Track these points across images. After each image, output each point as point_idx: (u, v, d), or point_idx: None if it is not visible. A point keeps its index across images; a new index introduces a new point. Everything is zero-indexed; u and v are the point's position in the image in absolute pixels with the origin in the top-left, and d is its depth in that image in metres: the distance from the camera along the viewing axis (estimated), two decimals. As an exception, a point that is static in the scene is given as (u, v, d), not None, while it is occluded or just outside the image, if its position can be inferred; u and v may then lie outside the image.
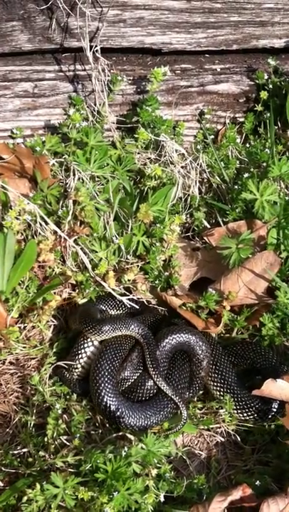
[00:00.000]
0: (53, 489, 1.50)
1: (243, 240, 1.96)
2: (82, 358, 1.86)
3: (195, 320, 1.94)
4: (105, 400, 1.72)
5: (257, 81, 2.35)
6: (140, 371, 1.84)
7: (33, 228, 2.01)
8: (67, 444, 1.69)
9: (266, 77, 2.34)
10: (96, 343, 1.86)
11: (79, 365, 1.85)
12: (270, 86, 2.33)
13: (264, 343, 1.94)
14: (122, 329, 1.84)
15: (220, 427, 1.85)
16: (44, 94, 2.24)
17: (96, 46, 2.12)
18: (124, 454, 1.54)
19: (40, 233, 2.00)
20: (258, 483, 1.67)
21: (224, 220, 2.11)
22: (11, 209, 1.98)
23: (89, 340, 1.86)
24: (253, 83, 2.38)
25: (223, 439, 1.84)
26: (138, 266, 2.02)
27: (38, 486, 1.51)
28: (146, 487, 1.54)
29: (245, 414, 1.82)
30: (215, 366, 1.87)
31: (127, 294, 1.97)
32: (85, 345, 1.86)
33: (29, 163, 2.13)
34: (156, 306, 2.03)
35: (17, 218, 1.96)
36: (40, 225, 1.99)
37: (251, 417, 1.82)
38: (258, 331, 1.96)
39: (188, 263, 2.09)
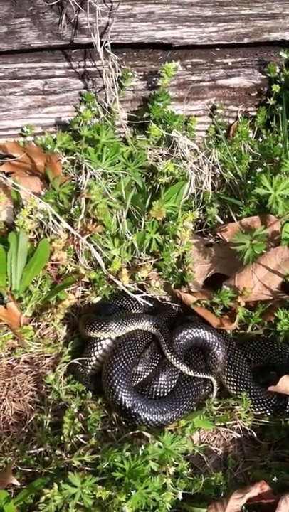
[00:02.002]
0: (71, 489, 1.50)
1: (256, 236, 1.95)
2: (97, 350, 1.85)
3: (210, 317, 1.93)
4: (120, 396, 1.72)
5: (269, 74, 2.33)
6: (153, 368, 1.83)
7: (45, 227, 2.01)
8: (84, 442, 1.68)
9: (278, 70, 2.31)
10: (113, 336, 1.85)
11: (94, 358, 1.85)
12: (282, 79, 2.30)
13: (279, 338, 1.92)
14: (133, 323, 1.84)
15: (236, 424, 1.85)
16: (54, 92, 2.22)
17: (106, 42, 2.11)
18: (141, 452, 1.54)
19: (52, 232, 1.99)
20: (275, 479, 1.66)
21: (237, 215, 2.10)
22: (23, 208, 1.98)
23: None
24: (264, 77, 2.35)
25: (239, 436, 1.84)
26: (151, 263, 2.01)
27: (55, 485, 1.51)
28: (164, 485, 1.54)
29: (257, 410, 1.82)
30: (229, 362, 1.87)
31: (141, 291, 1.96)
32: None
33: (40, 162, 2.12)
34: (170, 303, 2.02)
35: (29, 217, 1.96)
36: (53, 223, 1.99)
37: (264, 412, 1.81)
38: (273, 326, 1.95)
39: (202, 259, 2.08)
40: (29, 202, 1.97)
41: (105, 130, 2.07)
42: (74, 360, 1.86)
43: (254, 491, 1.59)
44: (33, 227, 1.99)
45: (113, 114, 2.19)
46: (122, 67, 2.19)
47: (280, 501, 1.55)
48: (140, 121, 2.23)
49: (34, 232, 2.01)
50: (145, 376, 1.83)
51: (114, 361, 1.75)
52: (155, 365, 1.84)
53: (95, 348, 1.86)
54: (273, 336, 1.94)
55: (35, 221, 1.98)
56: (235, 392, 1.85)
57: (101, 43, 2.11)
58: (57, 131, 2.22)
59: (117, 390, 1.72)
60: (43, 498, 1.52)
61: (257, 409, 1.82)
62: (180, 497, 1.56)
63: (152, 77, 2.25)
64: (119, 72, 2.16)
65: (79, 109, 2.19)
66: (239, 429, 1.84)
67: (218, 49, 2.35)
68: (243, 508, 1.58)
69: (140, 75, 2.25)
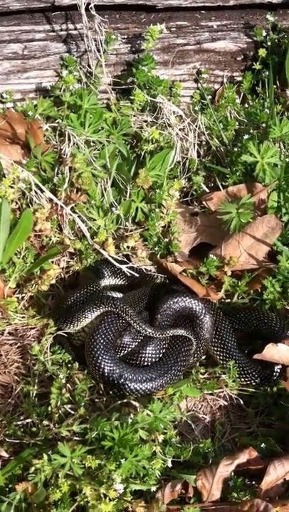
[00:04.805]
0: (61, 459, 1.50)
1: (243, 204, 1.93)
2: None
3: (196, 286, 1.92)
4: (106, 369, 1.70)
5: (255, 38, 2.28)
6: (139, 340, 1.82)
7: (27, 197, 1.96)
8: (72, 412, 1.68)
9: (264, 34, 2.27)
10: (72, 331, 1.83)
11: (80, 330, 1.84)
12: (269, 43, 2.26)
13: (265, 306, 1.93)
14: (92, 312, 1.80)
15: (223, 391, 1.86)
16: (34, 56, 2.15)
17: (90, 3, 2.02)
18: (130, 421, 1.54)
19: (35, 202, 1.95)
20: (263, 445, 1.68)
21: (223, 183, 2.08)
22: (5, 177, 1.93)
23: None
24: (250, 40, 2.30)
25: (226, 403, 1.85)
26: (137, 233, 1.98)
27: (44, 456, 1.50)
28: (154, 453, 1.55)
29: (243, 380, 1.83)
30: (216, 332, 1.87)
31: (127, 261, 1.94)
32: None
33: (21, 129, 2.07)
34: (152, 273, 2.00)
35: (11, 187, 1.91)
36: (36, 193, 1.95)
37: (250, 382, 1.83)
38: (259, 295, 1.95)
39: (188, 229, 2.06)
40: (11, 171, 1.92)
41: (88, 96, 2.01)
42: (60, 332, 1.84)
43: (243, 458, 1.60)
44: (16, 197, 1.94)
45: (96, 79, 2.12)
46: (105, 30, 2.12)
47: (268, 467, 1.57)
48: (124, 87, 2.18)
49: (16, 203, 1.97)
50: (130, 348, 1.82)
51: (95, 339, 1.73)
52: (141, 337, 1.83)
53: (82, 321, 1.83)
54: (261, 305, 1.94)
55: (18, 191, 1.94)
56: (221, 362, 1.85)
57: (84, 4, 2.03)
58: (37, 97, 2.16)
59: (102, 364, 1.70)
60: (32, 469, 1.51)
61: (243, 379, 1.83)
62: (169, 464, 1.57)
63: (136, 41, 2.18)
64: (103, 34, 2.08)
65: (61, 74, 2.12)
66: (226, 396, 1.86)
67: (203, 11, 2.29)
68: (232, 474, 1.59)
69: (123, 38, 2.18)
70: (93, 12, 2.03)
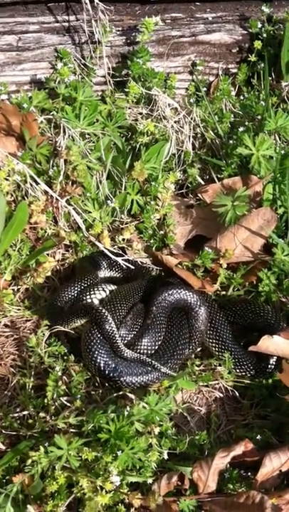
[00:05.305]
0: (57, 451, 1.50)
1: (238, 197, 1.93)
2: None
3: (191, 279, 1.92)
4: (102, 363, 1.71)
5: (250, 30, 2.28)
6: (134, 333, 1.83)
7: (23, 189, 1.96)
8: (68, 405, 1.68)
9: (260, 25, 2.26)
10: (96, 301, 1.84)
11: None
12: (264, 35, 2.25)
13: (260, 299, 1.93)
14: (80, 318, 1.80)
15: (218, 383, 1.86)
16: (29, 48, 2.14)
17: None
18: (126, 413, 1.54)
19: (30, 194, 1.95)
20: (258, 437, 1.69)
21: (219, 176, 2.07)
22: (0, 169, 1.92)
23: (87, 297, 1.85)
24: (246, 32, 2.30)
25: (221, 395, 1.86)
26: (133, 225, 1.98)
27: (41, 448, 1.51)
28: (150, 445, 1.55)
29: (238, 371, 1.84)
30: (211, 323, 1.87)
31: (122, 254, 1.94)
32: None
33: (16, 121, 2.06)
34: (146, 265, 2.00)
35: (6, 179, 1.90)
36: (31, 185, 1.94)
37: (245, 373, 1.83)
38: (255, 287, 1.95)
39: (183, 221, 2.06)
40: (6, 163, 1.91)
41: (83, 88, 2.01)
42: (60, 328, 1.84)
43: (238, 450, 1.61)
44: (11, 190, 1.94)
45: (90, 70, 2.11)
46: (108, 18, 2.10)
47: (264, 459, 1.58)
48: (118, 79, 2.17)
49: (11, 195, 1.97)
50: (126, 341, 1.82)
51: (92, 332, 1.73)
52: (136, 329, 1.83)
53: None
54: (256, 298, 1.95)
55: (13, 183, 1.93)
56: (217, 353, 1.86)
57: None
58: (32, 89, 2.15)
59: (98, 359, 1.70)
60: (29, 461, 1.51)
61: (238, 371, 1.84)
62: (165, 456, 1.58)
63: (131, 33, 2.18)
64: (107, 23, 2.06)
65: (55, 66, 2.11)
66: (221, 388, 1.86)
67: (198, 3, 2.28)
68: (228, 466, 1.60)
69: (118, 31, 2.17)
70: (97, 0, 1.99)
